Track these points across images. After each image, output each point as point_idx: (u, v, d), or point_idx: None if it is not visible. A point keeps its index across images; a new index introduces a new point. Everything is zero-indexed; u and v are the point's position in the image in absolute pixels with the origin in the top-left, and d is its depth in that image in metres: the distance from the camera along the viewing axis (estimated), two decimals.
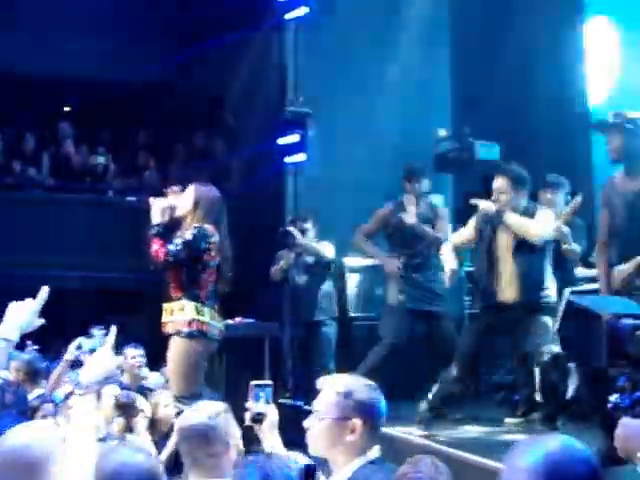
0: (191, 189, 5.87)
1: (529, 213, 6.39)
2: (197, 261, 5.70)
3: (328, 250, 8.55)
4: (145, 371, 7.46)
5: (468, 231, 6.70)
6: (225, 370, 8.10)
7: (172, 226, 5.89)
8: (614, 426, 2.33)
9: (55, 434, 2.58)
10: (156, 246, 5.68)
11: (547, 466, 1.89)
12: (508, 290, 6.31)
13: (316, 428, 3.12)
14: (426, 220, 7.70)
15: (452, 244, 6.85)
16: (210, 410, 3.38)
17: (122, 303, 10.47)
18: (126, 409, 5.98)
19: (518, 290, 6.29)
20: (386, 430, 6.13)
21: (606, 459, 4.06)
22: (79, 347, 6.26)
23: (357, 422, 3.06)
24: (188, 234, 5.68)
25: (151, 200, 5.88)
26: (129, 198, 6.41)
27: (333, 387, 3.13)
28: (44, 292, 3.14)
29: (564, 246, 6.84)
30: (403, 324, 7.58)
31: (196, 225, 5.71)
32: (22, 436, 2.48)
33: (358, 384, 3.15)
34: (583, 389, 6.61)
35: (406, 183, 7.79)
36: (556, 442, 1.95)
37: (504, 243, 6.38)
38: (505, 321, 6.37)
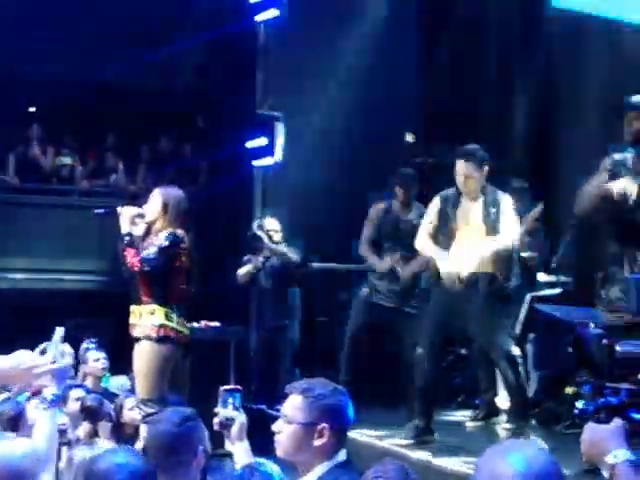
0: (157, 192, 5.84)
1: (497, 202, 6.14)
2: (169, 267, 5.67)
3: (295, 254, 8.59)
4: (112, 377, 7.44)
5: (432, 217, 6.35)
6: (190, 373, 8.08)
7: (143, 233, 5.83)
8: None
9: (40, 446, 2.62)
10: (129, 256, 5.63)
11: (531, 475, 1.94)
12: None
13: (284, 433, 3.14)
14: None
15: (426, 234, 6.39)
16: (177, 417, 3.39)
17: (89, 305, 10.42)
18: (92, 413, 5.97)
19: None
20: (351, 434, 6.21)
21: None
22: (43, 352, 6.24)
23: (325, 427, 3.08)
24: (161, 240, 5.64)
25: (119, 209, 5.83)
26: (97, 211, 6.20)
27: (301, 392, 3.15)
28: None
29: (522, 254, 6.91)
30: (361, 315, 7.59)
31: (169, 231, 5.69)
32: (9, 447, 2.53)
33: (326, 388, 3.16)
34: (546, 393, 6.68)
35: (398, 189, 7.54)
36: (534, 450, 2.01)
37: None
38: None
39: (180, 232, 5.70)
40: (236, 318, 9.14)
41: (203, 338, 8.25)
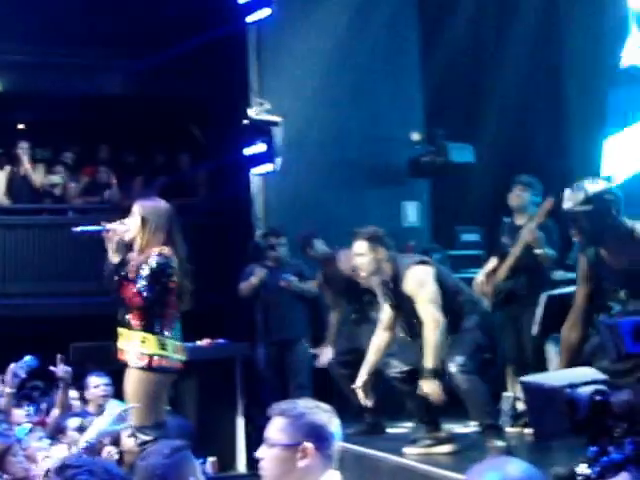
0: (136, 207, 5.50)
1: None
2: (162, 291, 5.32)
3: (313, 287, 8.35)
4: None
5: None
6: (195, 394, 7.76)
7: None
8: None
9: None
10: (127, 291, 5.25)
11: None
12: None
13: (267, 457, 3.03)
14: None
15: None
16: (167, 449, 3.33)
17: (90, 329, 10.03)
18: None
19: None
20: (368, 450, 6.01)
21: None
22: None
23: (308, 446, 2.97)
24: (151, 264, 5.25)
25: (103, 224, 5.44)
26: (74, 229, 5.76)
27: (281, 412, 3.06)
28: None
29: (536, 251, 6.66)
30: None
31: (156, 253, 5.30)
32: None
33: (307, 407, 3.07)
34: None
35: None
36: (516, 467, 2.08)
37: None
38: None
39: (167, 252, 5.32)
40: (242, 333, 8.73)
41: (207, 356, 7.93)
